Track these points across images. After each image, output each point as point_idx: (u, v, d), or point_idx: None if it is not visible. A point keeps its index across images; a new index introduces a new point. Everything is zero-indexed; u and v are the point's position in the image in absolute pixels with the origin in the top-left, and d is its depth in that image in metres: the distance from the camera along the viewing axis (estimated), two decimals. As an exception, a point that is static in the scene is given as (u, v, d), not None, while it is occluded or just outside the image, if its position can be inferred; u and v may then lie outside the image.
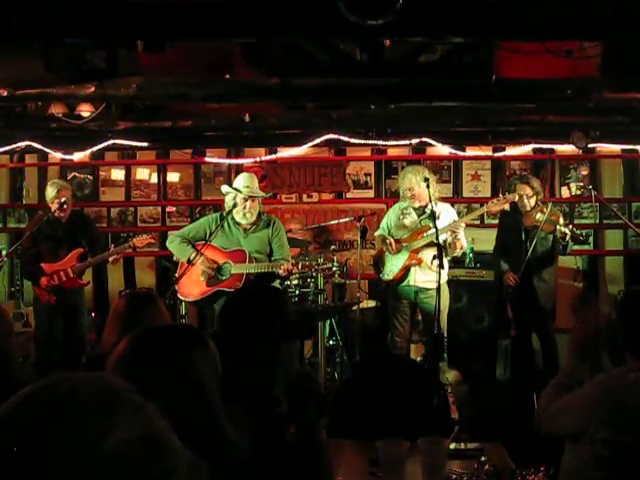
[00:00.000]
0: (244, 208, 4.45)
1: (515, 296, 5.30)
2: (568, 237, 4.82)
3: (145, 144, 6.46)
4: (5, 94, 4.21)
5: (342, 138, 6.08)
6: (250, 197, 4.45)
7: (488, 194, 6.73)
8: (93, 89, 4.29)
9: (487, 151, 6.78)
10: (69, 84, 4.21)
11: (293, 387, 1.85)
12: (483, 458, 2.16)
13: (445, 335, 4.79)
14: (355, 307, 5.48)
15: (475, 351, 5.70)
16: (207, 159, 7.06)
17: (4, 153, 6.68)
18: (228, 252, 4.47)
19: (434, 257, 4.48)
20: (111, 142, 6.15)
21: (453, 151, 6.66)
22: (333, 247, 6.22)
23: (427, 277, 4.84)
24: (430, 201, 4.79)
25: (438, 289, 4.43)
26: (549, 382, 2.39)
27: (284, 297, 2.15)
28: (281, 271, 4.28)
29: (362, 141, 6.16)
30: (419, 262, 4.88)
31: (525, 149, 6.70)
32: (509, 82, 4.24)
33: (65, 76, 4.04)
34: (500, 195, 4.93)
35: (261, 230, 4.54)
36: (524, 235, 5.18)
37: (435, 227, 4.50)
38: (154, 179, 7.23)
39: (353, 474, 2.21)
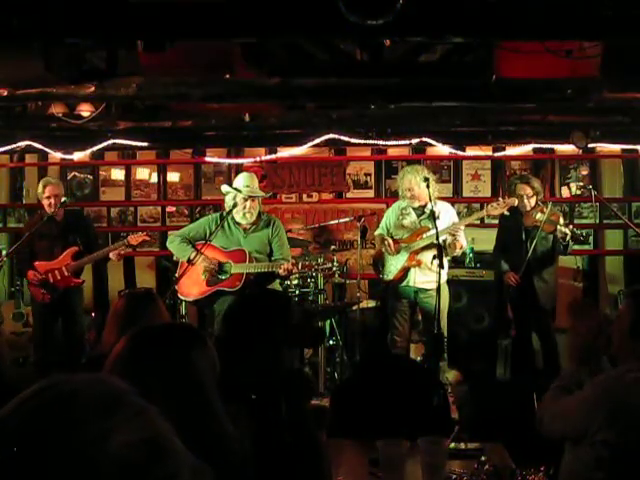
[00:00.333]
0: (244, 208, 4.45)
1: (515, 296, 5.30)
2: (568, 237, 4.82)
3: (145, 144, 6.46)
4: (5, 94, 4.21)
5: (342, 138, 6.08)
6: (250, 197, 4.45)
7: (488, 194, 6.73)
8: (93, 89, 4.29)
9: (487, 151, 6.78)
10: (69, 84, 4.21)
11: (287, 386, 1.85)
12: (483, 458, 2.16)
13: (445, 335, 4.79)
14: (355, 307, 5.48)
15: (475, 351, 5.70)
16: (207, 159, 7.06)
17: (4, 153, 6.68)
18: (228, 252, 4.48)
19: (434, 257, 4.49)
20: (111, 142, 6.15)
21: (453, 151, 6.66)
22: (333, 247, 6.22)
23: (427, 277, 4.84)
24: (430, 201, 4.79)
25: (438, 289, 4.43)
26: (549, 382, 2.39)
27: (290, 304, 2.14)
28: (281, 271, 4.28)
29: (362, 141, 6.16)
30: (418, 264, 4.88)
31: (525, 149, 6.70)
32: (509, 82, 4.24)
33: (65, 76, 4.04)
34: (500, 199, 4.91)
35: (261, 230, 4.54)
36: (524, 235, 5.18)
37: (435, 227, 4.50)
38: (154, 179, 7.23)
39: (353, 474, 2.21)
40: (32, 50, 3.70)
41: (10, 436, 0.71)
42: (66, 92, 4.35)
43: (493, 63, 4.08)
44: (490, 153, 6.80)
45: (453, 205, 5.32)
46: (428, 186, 4.68)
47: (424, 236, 4.88)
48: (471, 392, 5.00)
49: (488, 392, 5.11)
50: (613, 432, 2.01)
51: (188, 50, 3.98)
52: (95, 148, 6.43)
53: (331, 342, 5.56)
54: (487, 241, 5.88)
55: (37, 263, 5.15)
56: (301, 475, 1.77)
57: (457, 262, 5.84)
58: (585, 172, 6.86)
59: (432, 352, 4.86)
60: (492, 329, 5.79)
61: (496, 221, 5.77)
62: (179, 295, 4.66)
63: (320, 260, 5.16)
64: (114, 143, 6.19)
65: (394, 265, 4.99)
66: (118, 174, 7.29)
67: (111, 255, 5.13)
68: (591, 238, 6.74)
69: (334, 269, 5.00)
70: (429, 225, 4.88)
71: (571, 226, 4.99)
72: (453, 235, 4.77)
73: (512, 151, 6.76)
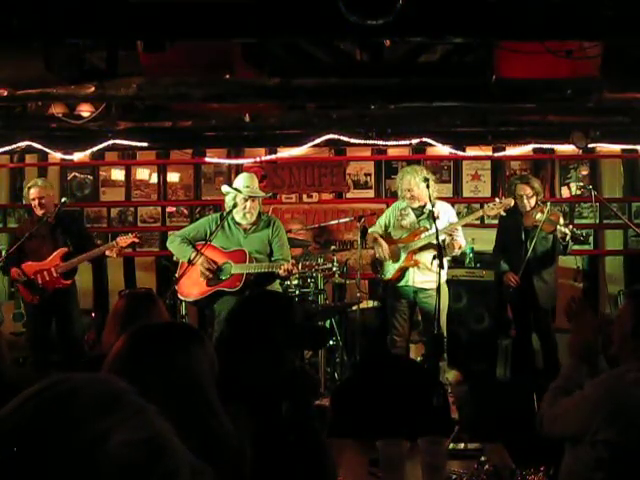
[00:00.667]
0: (244, 208, 4.45)
1: (515, 296, 5.29)
2: (568, 237, 4.82)
3: (145, 144, 6.46)
4: (5, 94, 4.21)
5: (342, 138, 6.08)
6: (250, 197, 4.45)
7: (488, 194, 6.73)
8: (93, 89, 4.29)
9: (487, 151, 6.78)
10: (69, 84, 4.21)
11: (291, 385, 1.85)
12: (483, 458, 2.16)
13: (445, 335, 4.79)
14: (355, 307, 5.48)
15: (475, 351, 5.70)
16: (207, 159, 7.07)
17: (4, 153, 6.68)
18: (228, 252, 4.47)
19: (434, 257, 4.49)
20: (111, 142, 6.15)
21: (453, 151, 6.66)
22: (333, 247, 6.22)
23: (426, 277, 4.85)
24: (430, 201, 4.79)
25: (438, 289, 4.43)
26: (549, 382, 2.39)
27: (292, 304, 2.14)
28: (281, 271, 4.28)
29: (362, 141, 6.16)
30: (416, 264, 4.89)
31: (525, 149, 6.71)
32: (509, 82, 4.24)
33: (65, 76, 4.04)
34: (497, 199, 4.91)
35: (261, 230, 4.54)
36: (524, 235, 5.18)
37: (436, 227, 4.50)
38: (154, 179, 7.24)
39: (353, 474, 2.21)
40: (32, 50, 3.70)
41: (10, 436, 0.71)
42: (66, 92, 4.35)
43: (493, 63, 4.08)
44: (490, 153, 6.80)
45: (453, 205, 5.32)
46: (428, 186, 4.69)
47: (422, 236, 4.89)
48: (471, 392, 5.00)
49: (488, 392, 5.10)
50: (613, 432, 2.00)
51: (188, 50, 3.98)
52: (95, 148, 6.43)
53: (331, 342, 5.56)
54: (487, 241, 5.88)
55: (27, 264, 5.14)
56: (305, 475, 1.77)
57: (457, 262, 5.84)
58: (585, 172, 6.86)
59: (432, 352, 4.86)
60: (492, 329, 5.78)
61: (496, 221, 5.77)
62: (179, 295, 4.65)
63: (320, 260, 5.16)
64: (114, 143, 6.19)
65: (392, 265, 4.99)
66: (118, 174, 7.29)
67: (108, 252, 5.10)
68: (591, 238, 6.74)
69: (334, 269, 5.00)
70: (427, 225, 4.89)
71: (571, 226, 4.99)
72: (451, 235, 4.77)
73: (512, 151, 6.77)
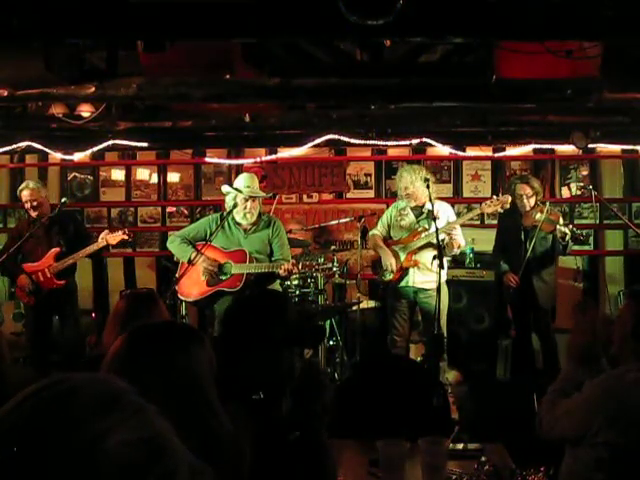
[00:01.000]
0: (244, 208, 4.45)
1: (515, 296, 5.29)
2: (568, 237, 4.81)
3: (145, 144, 6.46)
4: (5, 94, 4.21)
5: (342, 138, 6.07)
6: (251, 197, 4.45)
7: (488, 194, 6.72)
8: (93, 89, 4.29)
9: (487, 151, 6.79)
10: (69, 84, 4.21)
11: (301, 381, 1.85)
12: (483, 458, 2.16)
13: (445, 335, 4.79)
14: (355, 307, 5.48)
15: (475, 351, 5.70)
16: (207, 159, 7.07)
17: (4, 153, 6.68)
18: (228, 252, 4.47)
19: (434, 257, 4.49)
20: (111, 142, 6.15)
21: (453, 151, 6.66)
22: (333, 247, 6.22)
23: (426, 277, 4.85)
24: (430, 201, 4.79)
25: (438, 289, 4.43)
26: (549, 383, 2.39)
27: (288, 304, 2.14)
28: (281, 271, 4.28)
29: (362, 141, 6.16)
30: (415, 264, 4.89)
31: (525, 149, 6.70)
32: (509, 82, 4.24)
33: (65, 76, 4.04)
34: (494, 197, 4.92)
35: (261, 230, 4.54)
36: (523, 235, 5.18)
37: (436, 227, 4.50)
38: (154, 179, 7.24)
39: (353, 474, 2.21)
40: (32, 50, 3.70)
41: (9, 435, 0.71)
42: (66, 92, 4.35)
43: (493, 63, 4.08)
44: (490, 153, 6.80)
45: (453, 206, 5.32)
46: (428, 186, 4.69)
47: (421, 236, 4.90)
48: (471, 392, 5.00)
49: (488, 392, 5.10)
50: (613, 432, 2.00)
51: (188, 50, 3.98)
52: (95, 149, 6.43)
53: (331, 342, 5.56)
54: (487, 241, 5.88)
55: (24, 265, 5.15)
56: (306, 475, 1.77)
57: (457, 262, 5.84)
58: (585, 172, 6.86)
59: (432, 352, 4.86)
60: (492, 329, 5.78)
61: (496, 221, 5.77)
62: (179, 295, 4.65)
63: (320, 260, 5.16)
64: (114, 143, 6.19)
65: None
66: (118, 175, 7.30)
67: (105, 240, 5.02)
68: (591, 238, 6.74)
69: (334, 269, 5.00)
70: (426, 225, 4.90)
71: (571, 226, 4.99)
72: (449, 235, 4.77)
73: (512, 151, 6.77)
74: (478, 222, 6.46)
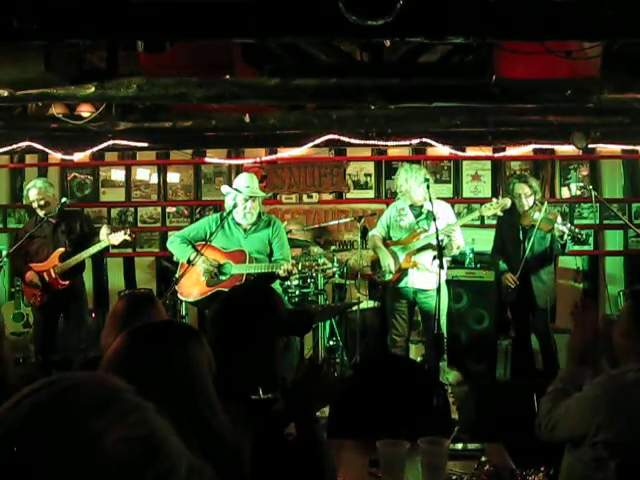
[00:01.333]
0: (244, 208, 4.45)
1: (513, 296, 5.28)
2: (566, 235, 4.81)
3: (145, 144, 6.46)
4: (5, 94, 4.20)
5: (342, 138, 6.07)
6: (250, 197, 4.45)
7: (488, 194, 6.72)
8: (93, 89, 4.29)
9: (487, 151, 6.78)
10: (69, 84, 4.21)
11: (301, 380, 1.85)
12: (483, 458, 2.16)
13: (445, 335, 4.78)
14: (355, 307, 5.48)
15: (475, 351, 5.70)
16: (207, 159, 7.07)
17: (4, 153, 6.68)
18: (228, 252, 4.47)
19: (434, 257, 4.49)
20: (111, 142, 6.15)
21: (453, 151, 6.66)
22: (333, 247, 6.22)
23: (425, 278, 4.85)
24: (430, 201, 4.78)
25: (438, 289, 4.42)
26: (549, 384, 2.38)
27: (274, 294, 2.13)
28: (281, 271, 4.28)
29: (362, 141, 6.16)
30: (414, 265, 4.89)
31: (525, 149, 6.70)
32: (509, 82, 4.24)
33: (65, 76, 4.03)
34: (493, 199, 4.92)
35: (261, 230, 4.54)
36: (522, 235, 5.18)
37: (436, 227, 4.50)
38: (154, 179, 7.24)
39: (353, 474, 2.21)
40: (32, 50, 3.70)
41: (8, 435, 0.70)
42: (66, 93, 4.35)
43: (493, 63, 4.07)
44: (490, 153, 6.80)
45: (453, 206, 5.32)
46: (428, 187, 4.68)
47: (421, 237, 4.90)
48: (471, 392, 4.99)
49: (488, 393, 5.09)
50: (613, 432, 2.00)
51: (188, 50, 3.98)
52: (95, 149, 6.43)
53: (331, 342, 5.56)
54: (487, 241, 5.88)
55: (31, 265, 5.15)
56: (305, 475, 1.77)
57: (457, 262, 5.84)
58: (585, 173, 6.86)
59: (432, 352, 4.86)
60: (492, 330, 5.78)
61: (495, 221, 5.77)
62: (179, 296, 4.65)
63: (320, 260, 5.16)
64: (114, 144, 6.18)
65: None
66: (118, 175, 7.30)
67: (107, 240, 5.02)
68: (591, 239, 6.74)
69: (334, 269, 5.00)
70: (425, 226, 4.90)
71: (569, 224, 4.98)
72: (449, 236, 4.78)
73: (512, 151, 6.76)
74: (478, 222, 6.45)
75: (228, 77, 4.25)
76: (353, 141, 6.16)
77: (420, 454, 2.04)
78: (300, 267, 4.38)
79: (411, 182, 4.84)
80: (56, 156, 6.79)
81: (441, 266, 4.41)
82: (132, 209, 7.25)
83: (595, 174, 6.81)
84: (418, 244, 4.89)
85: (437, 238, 4.43)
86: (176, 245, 4.55)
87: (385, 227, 5.14)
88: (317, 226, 6.71)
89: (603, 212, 6.44)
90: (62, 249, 5.14)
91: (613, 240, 6.83)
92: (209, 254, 4.45)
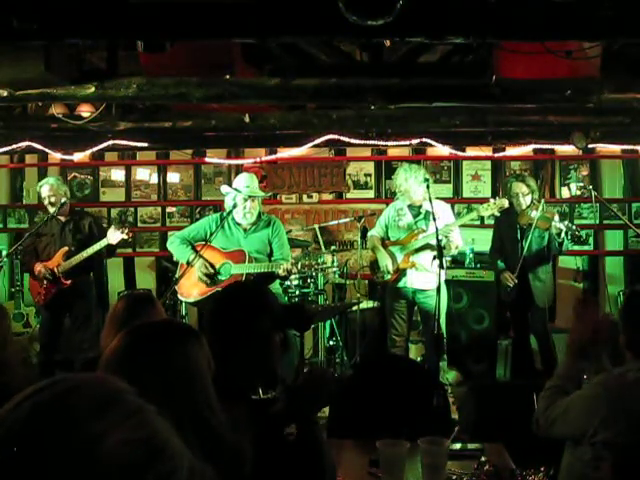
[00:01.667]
0: (244, 208, 4.45)
1: (512, 295, 5.28)
2: (563, 233, 4.80)
3: (145, 144, 6.46)
4: (5, 94, 4.20)
5: (342, 138, 6.07)
6: (250, 197, 4.45)
7: (488, 194, 6.72)
8: (93, 89, 4.29)
9: (487, 151, 6.78)
10: (69, 84, 4.21)
11: (302, 384, 1.85)
12: (483, 458, 2.16)
13: (445, 335, 4.78)
14: (355, 307, 5.48)
15: (475, 351, 5.70)
16: (207, 159, 7.07)
17: (4, 153, 6.68)
18: (228, 252, 4.47)
19: (434, 257, 4.49)
20: (111, 142, 6.15)
21: (453, 151, 6.66)
22: (333, 247, 6.22)
23: (424, 278, 4.85)
24: (430, 201, 4.78)
25: (438, 289, 4.42)
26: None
27: (268, 293, 2.13)
28: (281, 271, 4.28)
29: (362, 141, 6.16)
30: (413, 265, 4.89)
31: (525, 149, 6.70)
32: (509, 82, 4.24)
33: (65, 76, 4.03)
34: (491, 200, 4.92)
35: (261, 230, 4.54)
36: (519, 234, 5.18)
37: (435, 227, 4.50)
38: (154, 179, 7.24)
39: (353, 474, 2.21)
40: (32, 50, 3.70)
41: (8, 436, 0.70)
42: (66, 92, 4.35)
43: (493, 63, 4.07)
44: (490, 153, 6.80)
45: (453, 206, 5.31)
46: (428, 187, 4.68)
47: (419, 237, 4.90)
48: (471, 392, 4.99)
49: (488, 393, 5.09)
50: (613, 432, 2.00)
51: (188, 50, 3.98)
52: (95, 149, 6.43)
53: (331, 342, 5.57)
54: (487, 241, 5.87)
55: (36, 264, 5.17)
56: (305, 475, 1.77)
57: (457, 262, 5.84)
58: (585, 172, 6.86)
59: (432, 352, 4.86)
60: (492, 330, 5.78)
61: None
62: (179, 296, 4.65)
63: (320, 260, 5.16)
64: (114, 144, 6.18)
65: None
66: (118, 175, 7.30)
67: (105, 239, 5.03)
68: (591, 239, 6.74)
69: (334, 269, 5.00)
70: (424, 227, 4.90)
71: (567, 222, 4.97)
72: (446, 237, 4.78)
73: (512, 151, 6.77)
74: (477, 222, 6.46)
75: (228, 77, 4.25)
76: (353, 141, 6.16)
77: (420, 454, 2.04)
78: (300, 267, 4.38)
79: (411, 182, 4.84)
80: (56, 156, 6.79)
81: (441, 266, 4.41)
82: (132, 209, 7.25)
83: (595, 174, 6.81)
84: (416, 244, 4.89)
85: (437, 238, 4.43)
86: (176, 246, 4.55)
87: (383, 227, 5.14)
88: (317, 226, 6.69)
89: (603, 212, 6.44)
90: (66, 248, 5.15)
91: (613, 240, 6.83)
92: (209, 254, 4.45)
